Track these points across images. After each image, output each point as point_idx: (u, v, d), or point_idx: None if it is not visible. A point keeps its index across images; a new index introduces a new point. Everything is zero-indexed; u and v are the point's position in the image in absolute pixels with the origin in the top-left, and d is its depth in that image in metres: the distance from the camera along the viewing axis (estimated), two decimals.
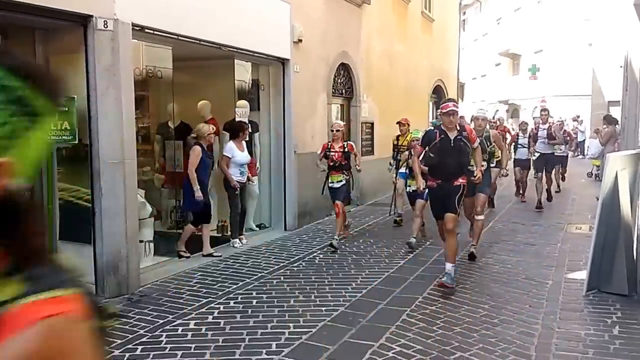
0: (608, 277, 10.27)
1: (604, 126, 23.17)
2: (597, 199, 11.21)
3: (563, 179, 25.02)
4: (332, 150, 14.25)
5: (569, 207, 20.39)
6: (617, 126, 22.46)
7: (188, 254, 12.75)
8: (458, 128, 10.92)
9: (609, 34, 40.74)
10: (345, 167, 14.41)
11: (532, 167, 21.18)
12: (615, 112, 28.68)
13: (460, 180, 10.83)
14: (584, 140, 44.04)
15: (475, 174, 11.34)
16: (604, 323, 8.89)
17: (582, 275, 10.87)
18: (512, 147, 22.01)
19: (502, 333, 8.43)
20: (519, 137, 21.96)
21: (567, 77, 50.48)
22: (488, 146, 12.96)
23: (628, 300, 9.88)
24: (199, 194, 12.32)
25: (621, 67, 25.01)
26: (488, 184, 13.46)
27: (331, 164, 14.24)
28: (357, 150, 15.21)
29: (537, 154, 20.35)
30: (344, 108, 19.91)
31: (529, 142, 20.86)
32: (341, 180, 14.24)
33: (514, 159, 21.82)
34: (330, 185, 14.33)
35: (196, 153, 12.42)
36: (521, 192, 21.84)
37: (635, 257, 10.28)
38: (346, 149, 14.26)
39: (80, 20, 9.60)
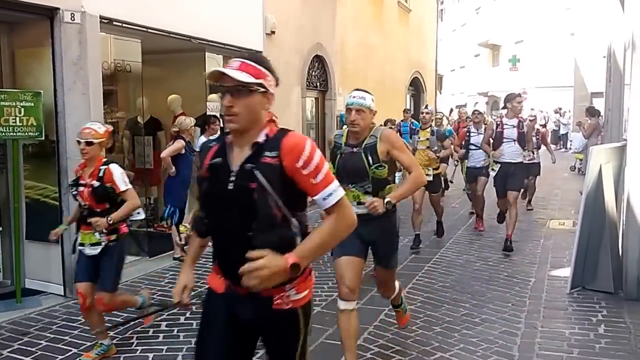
0: (593, 274, 10.35)
1: (587, 118, 23.30)
2: (581, 194, 11.28)
3: (530, 194, 19.35)
4: (80, 182, 7.60)
5: (551, 202, 20.49)
6: (600, 118, 22.59)
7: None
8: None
9: (592, 23, 41.06)
10: (101, 213, 7.52)
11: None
12: (599, 104, 28.86)
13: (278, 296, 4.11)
14: (566, 133, 44.27)
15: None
16: (589, 321, 8.93)
17: (566, 272, 10.95)
18: (462, 149, 17.11)
19: (483, 332, 8.49)
20: (471, 134, 16.49)
21: (549, 68, 50.93)
22: (371, 166, 6.96)
23: (614, 298, 9.94)
24: (172, 170, 12.33)
25: (604, 57, 25.16)
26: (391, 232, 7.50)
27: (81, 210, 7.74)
28: (124, 179, 7.70)
29: (497, 166, 13.70)
30: (318, 102, 19.95)
31: (487, 143, 14.00)
32: (97, 245, 7.62)
33: (467, 167, 16.78)
34: (79, 248, 7.76)
35: (179, 146, 12.36)
36: (480, 211, 16.19)
37: (620, 253, 10.37)
38: (102, 182, 7.54)
39: (46, 13, 9.59)
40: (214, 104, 14.21)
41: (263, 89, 4.21)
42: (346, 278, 6.88)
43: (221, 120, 13.81)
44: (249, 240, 3.80)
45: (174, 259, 12.53)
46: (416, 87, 31.41)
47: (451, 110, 47.74)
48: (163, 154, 12.38)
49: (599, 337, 8.29)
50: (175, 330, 8.62)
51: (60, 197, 9.97)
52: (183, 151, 12.37)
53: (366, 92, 7.64)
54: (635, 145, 9.86)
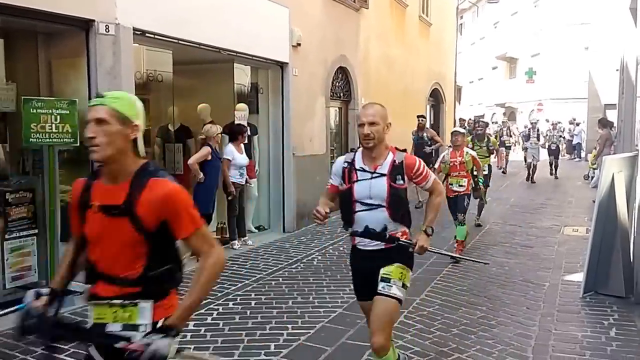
0: (605, 279, 10.29)
1: (598, 129, 23.19)
2: (594, 202, 11.22)
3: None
4: None
5: (565, 209, 20.37)
6: (612, 129, 22.43)
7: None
8: None
9: (605, 37, 40.80)
10: None
11: None
12: (612, 115, 28.65)
13: None
14: (579, 143, 44.10)
15: None
16: (601, 325, 8.89)
17: (579, 277, 10.89)
18: None
19: (499, 335, 8.45)
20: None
21: (564, 81, 50.73)
22: None
23: (625, 302, 9.87)
24: (201, 176, 12.29)
25: (617, 70, 25.03)
26: None
27: None
28: None
29: None
30: (342, 111, 19.92)
31: None
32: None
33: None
34: None
35: (205, 152, 12.40)
36: None
37: (632, 259, 10.29)
38: None
39: (82, 25, 9.63)
40: (241, 113, 14.22)
41: None
42: None
43: (249, 128, 13.87)
44: None
45: (197, 261, 12.48)
46: (436, 97, 31.40)
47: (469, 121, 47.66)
48: (190, 161, 12.40)
49: (611, 340, 8.25)
50: (203, 330, 8.59)
51: None
52: (209, 157, 12.40)
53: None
54: None
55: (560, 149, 34.40)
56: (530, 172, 28.62)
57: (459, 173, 13.11)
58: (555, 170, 30.60)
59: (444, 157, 13.49)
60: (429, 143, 20.72)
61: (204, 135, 12.79)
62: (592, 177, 26.53)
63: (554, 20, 52.73)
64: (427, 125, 23.60)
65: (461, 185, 13.12)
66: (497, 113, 65.61)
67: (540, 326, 8.84)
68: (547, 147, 31.07)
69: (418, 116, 21.01)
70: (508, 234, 15.58)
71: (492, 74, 68.24)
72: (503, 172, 31.40)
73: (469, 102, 72.30)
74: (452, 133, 13.62)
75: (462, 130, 13.85)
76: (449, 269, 12.05)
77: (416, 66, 27.07)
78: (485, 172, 17.01)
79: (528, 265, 12.51)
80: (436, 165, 13.75)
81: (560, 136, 31.89)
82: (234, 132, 13.47)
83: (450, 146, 13.53)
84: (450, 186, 13.05)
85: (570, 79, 50.23)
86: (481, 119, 18.01)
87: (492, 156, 19.23)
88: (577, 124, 44.57)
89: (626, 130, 15.17)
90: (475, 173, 13.47)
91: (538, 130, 30.02)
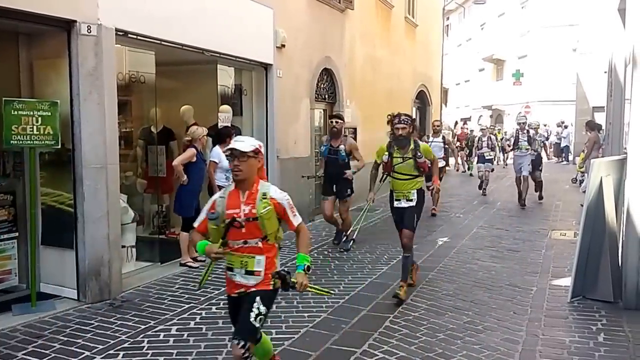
0: (593, 283, 10.34)
1: (587, 132, 23.15)
2: (582, 206, 11.26)
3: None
4: None
5: (553, 213, 20.42)
6: (600, 132, 22.42)
7: (197, 262, 12.67)
8: None
9: (593, 39, 40.99)
10: None
11: None
12: (600, 118, 28.71)
13: None
14: (567, 146, 44.22)
15: None
16: (589, 330, 8.92)
17: (567, 281, 10.93)
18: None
19: (486, 340, 8.46)
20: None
21: (552, 83, 50.86)
22: None
23: (613, 307, 9.92)
24: (184, 178, 12.32)
25: (605, 72, 25.10)
26: None
27: None
28: None
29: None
30: (326, 113, 19.87)
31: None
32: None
33: None
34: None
35: (190, 154, 12.40)
36: None
37: (620, 264, 10.33)
38: None
39: (64, 25, 9.61)
40: (225, 115, 14.20)
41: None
42: None
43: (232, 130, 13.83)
44: None
45: (181, 264, 12.53)
46: (422, 100, 31.45)
47: (456, 123, 47.70)
48: (175, 162, 12.37)
49: (599, 346, 8.27)
50: (185, 335, 8.60)
51: (76, 203, 9.97)
52: (194, 159, 12.40)
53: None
54: (635, 158, 9.84)
55: (544, 156, 25.57)
56: (521, 192, 21.86)
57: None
58: (540, 189, 23.60)
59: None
60: (347, 159, 14.36)
61: (189, 137, 12.77)
62: (581, 181, 26.41)
63: (542, 21, 52.86)
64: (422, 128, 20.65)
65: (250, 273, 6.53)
66: (483, 115, 65.79)
67: (527, 331, 8.86)
68: None
69: (331, 117, 15.20)
70: (494, 238, 15.61)
71: (478, 76, 68.35)
72: (483, 194, 25.30)
73: (455, 104, 72.54)
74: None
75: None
76: (434, 273, 12.10)
77: (402, 68, 27.15)
78: (412, 202, 10.73)
79: (515, 270, 12.52)
80: None
81: (543, 141, 25.16)
82: (221, 135, 13.43)
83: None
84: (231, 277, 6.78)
85: (558, 81, 50.39)
86: (403, 114, 12.80)
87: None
88: (565, 127, 44.71)
89: (614, 133, 15.23)
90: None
91: (528, 132, 22.28)
